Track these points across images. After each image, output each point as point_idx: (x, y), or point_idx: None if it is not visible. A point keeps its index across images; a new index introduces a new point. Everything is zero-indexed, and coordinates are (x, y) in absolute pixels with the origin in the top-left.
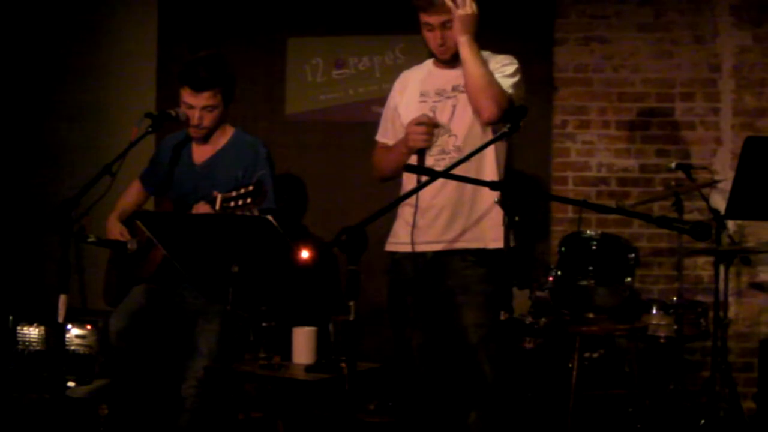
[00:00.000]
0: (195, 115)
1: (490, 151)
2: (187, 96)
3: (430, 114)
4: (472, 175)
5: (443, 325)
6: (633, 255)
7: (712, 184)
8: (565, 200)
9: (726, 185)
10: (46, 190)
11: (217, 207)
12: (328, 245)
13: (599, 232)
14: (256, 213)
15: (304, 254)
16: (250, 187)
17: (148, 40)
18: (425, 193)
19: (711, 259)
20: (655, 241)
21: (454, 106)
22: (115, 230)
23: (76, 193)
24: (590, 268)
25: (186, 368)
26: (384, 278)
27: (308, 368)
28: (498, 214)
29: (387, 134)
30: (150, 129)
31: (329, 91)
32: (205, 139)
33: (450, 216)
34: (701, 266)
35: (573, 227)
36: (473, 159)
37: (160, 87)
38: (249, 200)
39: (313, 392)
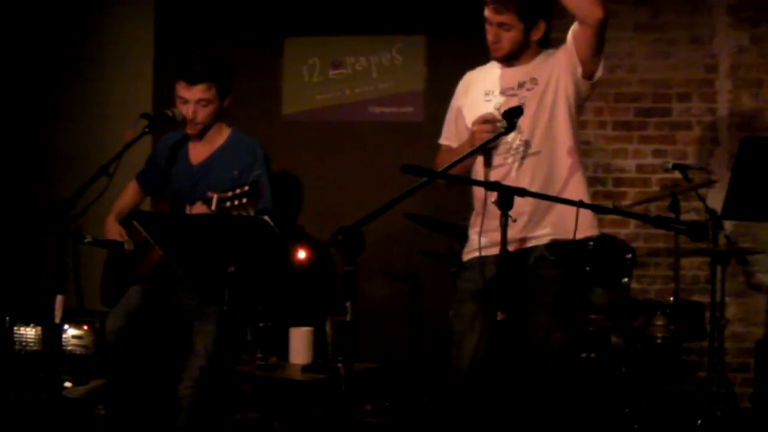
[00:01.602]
0: (189, 110)
1: (562, 154)
2: (182, 90)
3: (496, 112)
4: (544, 173)
5: (510, 334)
6: (630, 255)
7: (708, 184)
8: (562, 201)
9: (723, 185)
10: (42, 191)
11: (213, 207)
12: (325, 245)
13: (596, 232)
14: (251, 213)
15: (301, 254)
16: (246, 187)
17: (145, 41)
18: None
19: (708, 259)
20: (652, 241)
21: (521, 104)
22: (114, 230)
23: (73, 193)
24: (587, 268)
25: (183, 368)
26: (381, 278)
27: (305, 369)
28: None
29: (450, 136)
30: (146, 130)
31: (326, 91)
32: (200, 135)
33: (527, 218)
34: (698, 266)
35: None
36: (543, 160)
37: (157, 88)
38: (245, 200)
39: (310, 393)
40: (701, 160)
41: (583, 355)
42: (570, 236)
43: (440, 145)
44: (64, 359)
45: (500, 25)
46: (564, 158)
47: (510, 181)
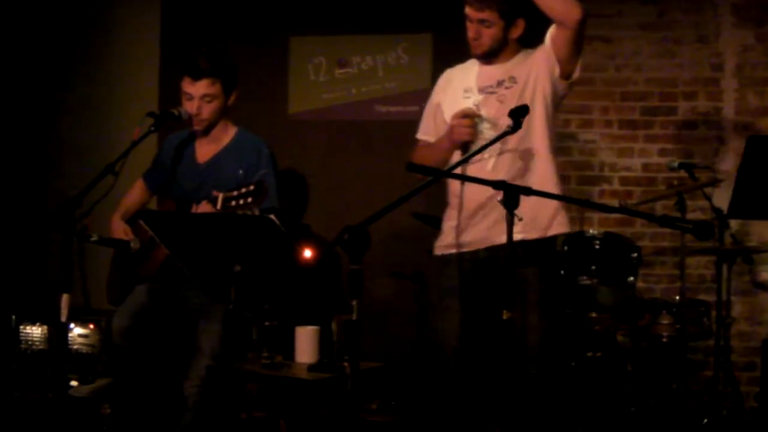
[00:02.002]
0: (194, 106)
1: (542, 147)
2: (187, 85)
3: (475, 109)
4: (518, 168)
5: (491, 329)
6: (635, 254)
7: (714, 183)
8: (568, 199)
9: (729, 184)
10: (49, 189)
11: (219, 206)
12: (331, 244)
13: (602, 231)
14: (257, 212)
15: (307, 253)
16: (251, 187)
17: (151, 40)
18: (469, 193)
19: (713, 258)
20: (658, 240)
21: (500, 101)
22: (119, 229)
23: (79, 192)
24: (593, 267)
25: (188, 367)
26: (387, 277)
27: (311, 367)
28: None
29: (428, 131)
30: (152, 128)
31: (332, 90)
32: (206, 132)
33: (501, 213)
34: (704, 265)
35: (575, 227)
36: (519, 157)
37: (163, 86)
38: (250, 200)
39: (316, 391)
40: (707, 159)
41: (589, 354)
42: (542, 234)
43: (417, 140)
44: (70, 358)
45: (481, 21)
46: (539, 156)
47: (486, 176)
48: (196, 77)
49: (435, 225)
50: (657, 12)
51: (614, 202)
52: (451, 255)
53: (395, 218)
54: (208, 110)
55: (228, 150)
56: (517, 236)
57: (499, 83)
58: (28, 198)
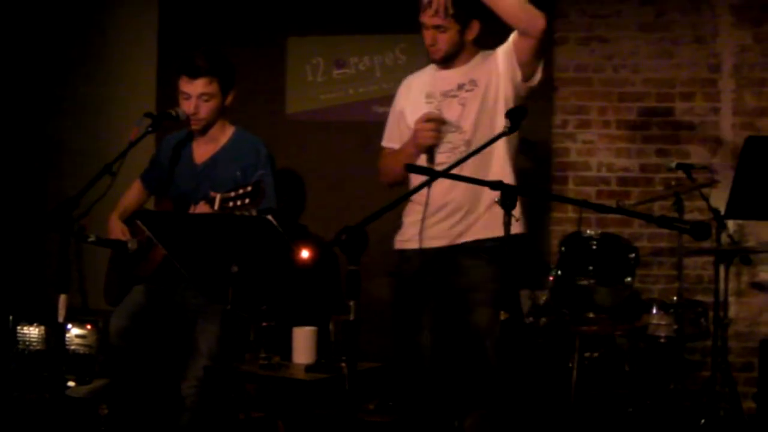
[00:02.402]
0: (191, 105)
1: (500, 149)
2: (184, 84)
3: (438, 113)
4: (479, 172)
5: (452, 324)
6: (633, 255)
7: (712, 183)
8: (566, 200)
9: (726, 185)
10: (46, 190)
11: (216, 207)
12: (329, 245)
13: (599, 231)
14: (254, 213)
15: (305, 254)
16: (249, 188)
17: (148, 40)
18: (436, 191)
19: (711, 258)
20: (656, 240)
21: (462, 105)
22: (117, 230)
23: (77, 192)
24: (590, 267)
25: (186, 368)
26: (385, 277)
27: (308, 368)
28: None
29: (393, 138)
30: (150, 129)
31: (330, 91)
32: (203, 132)
33: (464, 213)
34: (701, 266)
35: (573, 227)
36: (479, 157)
37: (161, 87)
38: (247, 200)
39: (314, 392)
40: (705, 159)
41: (587, 354)
42: (498, 234)
43: (383, 148)
44: (67, 358)
45: (436, 27)
46: (500, 160)
47: (446, 186)
48: (193, 76)
49: None
50: (655, 12)
51: (612, 203)
52: (412, 250)
53: (393, 219)
54: (205, 109)
55: (225, 150)
56: (476, 235)
57: (460, 87)
58: (26, 198)
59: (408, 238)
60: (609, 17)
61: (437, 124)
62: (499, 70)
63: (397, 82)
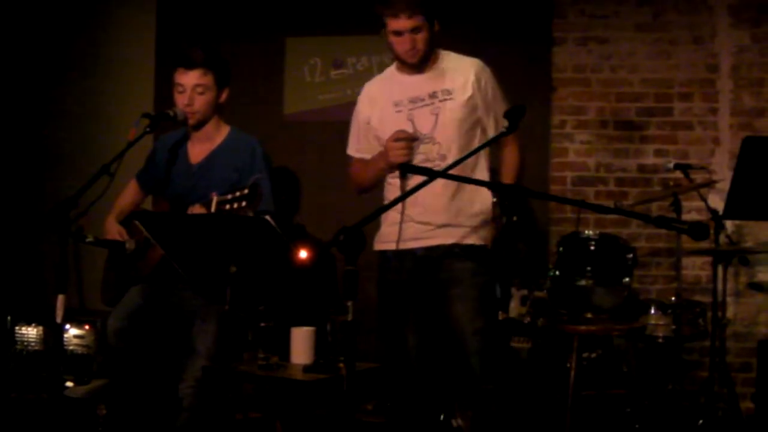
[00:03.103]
0: (186, 97)
1: (483, 154)
2: (179, 76)
3: (409, 123)
4: (470, 172)
5: (435, 321)
6: (631, 255)
7: (710, 184)
8: (564, 200)
9: (724, 185)
10: (44, 191)
11: (213, 209)
12: (326, 245)
13: (597, 232)
14: (251, 215)
15: (302, 254)
16: (245, 190)
17: (146, 41)
18: (422, 193)
19: (709, 259)
20: (654, 241)
21: (435, 115)
22: (113, 230)
23: (75, 193)
24: (588, 268)
25: (184, 368)
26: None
27: (306, 368)
28: (488, 213)
29: (362, 148)
30: (148, 129)
31: (327, 91)
32: (198, 127)
33: (442, 214)
34: (699, 266)
35: (571, 227)
36: (467, 163)
37: (159, 87)
38: (244, 203)
39: (312, 392)
40: (703, 159)
41: (585, 354)
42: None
43: (350, 157)
44: (65, 359)
45: (414, 30)
46: (475, 174)
47: (424, 192)
48: (188, 67)
49: None
50: (652, 13)
51: (610, 203)
52: (391, 251)
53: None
54: (200, 102)
55: (221, 150)
56: (452, 240)
57: (432, 95)
58: (24, 199)
59: (387, 239)
60: (607, 18)
61: (408, 143)
62: (482, 102)
63: None
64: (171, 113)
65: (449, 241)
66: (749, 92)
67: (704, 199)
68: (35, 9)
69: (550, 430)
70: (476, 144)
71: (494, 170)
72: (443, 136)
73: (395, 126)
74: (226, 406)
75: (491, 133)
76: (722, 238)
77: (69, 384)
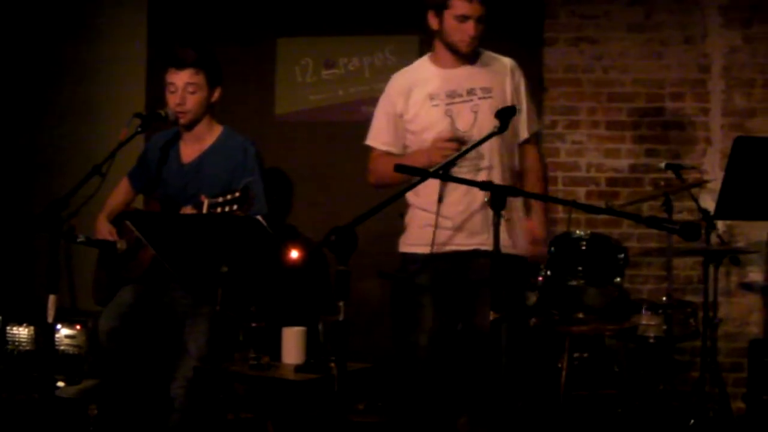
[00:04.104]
0: (177, 96)
1: (513, 155)
2: (170, 76)
3: (447, 118)
4: (495, 174)
5: (459, 321)
6: (622, 255)
7: (701, 184)
8: (555, 200)
9: (715, 185)
10: (35, 191)
11: (204, 212)
12: (318, 245)
13: (589, 232)
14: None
15: (294, 254)
16: (237, 194)
17: (138, 41)
18: (457, 196)
19: (700, 259)
20: (645, 241)
21: (475, 113)
22: (104, 230)
23: (66, 193)
24: (580, 268)
25: (175, 368)
26: (374, 278)
27: (298, 368)
28: (523, 221)
29: (389, 141)
30: (139, 129)
31: (319, 92)
32: (189, 127)
33: (479, 220)
34: (691, 266)
35: (562, 227)
36: (497, 167)
37: (150, 87)
38: (235, 207)
39: (303, 392)
40: (694, 159)
41: (576, 354)
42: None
43: (372, 148)
44: (56, 359)
45: (479, 18)
46: (509, 176)
47: (462, 192)
48: (179, 66)
49: None
50: (644, 13)
51: (601, 203)
52: (422, 254)
53: (382, 219)
54: (191, 101)
55: (213, 150)
56: (475, 246)
57: (470, 92)
58: (15, 199)
59: (419, 242)
60: (598, 18)
61: (458, 144)
62: (513, 91)
63: (386, 82)
64: (163, 113)
65: (483, 245)
66: (740, 92)
67: (695, 199)
68: (26, 9)
69: (541, 430)
70: (510, 146)
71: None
72: (481, 135)
73: (432, 120)
74: (217, 406)
75: (523, 135)
76: (713, 238)
77: (60, 384)
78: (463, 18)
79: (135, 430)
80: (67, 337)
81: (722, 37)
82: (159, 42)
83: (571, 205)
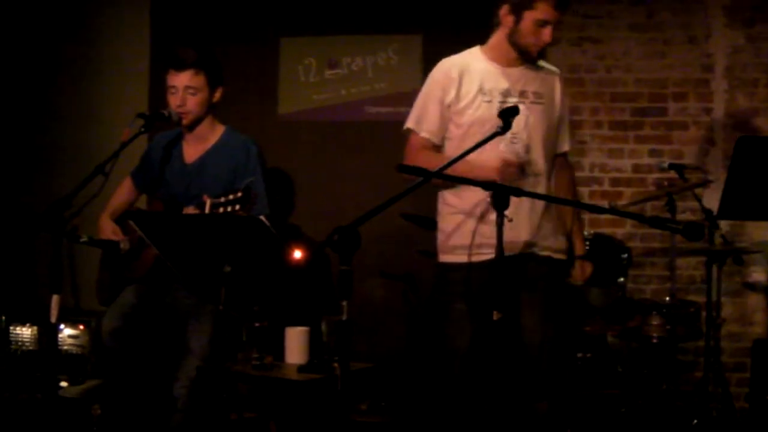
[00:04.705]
0: (178, 98)
1: (551, 166)
2: (171, 78)
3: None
4: (542, 181)
5: (501, 325)
6: (626, 255)
7: (704, 184)
8: (558, 200)
9: (719, 185)
10: (38, 190)
11: (206, 212)
12: (321, 245)
13: (592, 232)
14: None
15: (297, 254)
16: (239, 194)
17: (140, 41)
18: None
19: (703, 259)
20: (648, 241)
21: (527, 116)
22: (108, 230)
23: (69, 192)
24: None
25: (178, 368)
26: (377, 278)
27: (301, 368)
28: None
29: (433, 130)
30: (142, 129)
31: (322, 91)
32: (192, 128)
33: (525, 225)
34: (694, 266)
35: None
36: (544, 174)
37: (153, 87)
38: (237, 207)
39: (306, 392)
40: (697, 159)
41: (579, 355)
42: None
43: (412, 132)
44: (60, 359)
45: (557, 23)
46: (550, 185)
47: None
48: (179, 68)
49: (424, 225)
50: (647, 13)
51: (604, 203)
52: (463, 262)
53: (385, 219)
54: (192, 102)
55: (215, 150)
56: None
57: (522, 94)
58: (18, 199)
59: (459, 248)
60: (601, 17)
61: (519, 169)
62: (560, 102)
63: (390, 82)
64: (165, 113)
65: (528, 249)
66: (743, 92)
67: (699, 199)
68: (28, 8)
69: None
70: (552, 155)
71: None
72: (532, 140)
73: (483, 116)
74: (220, 406)
75: (563, 148)
76: (717, 238)
77: (63, 384)
78: (544, 23)
79: (138, 430)
80: (70, 337)
81: (725, 37)
82: (162, 42)
83: (575, 205)
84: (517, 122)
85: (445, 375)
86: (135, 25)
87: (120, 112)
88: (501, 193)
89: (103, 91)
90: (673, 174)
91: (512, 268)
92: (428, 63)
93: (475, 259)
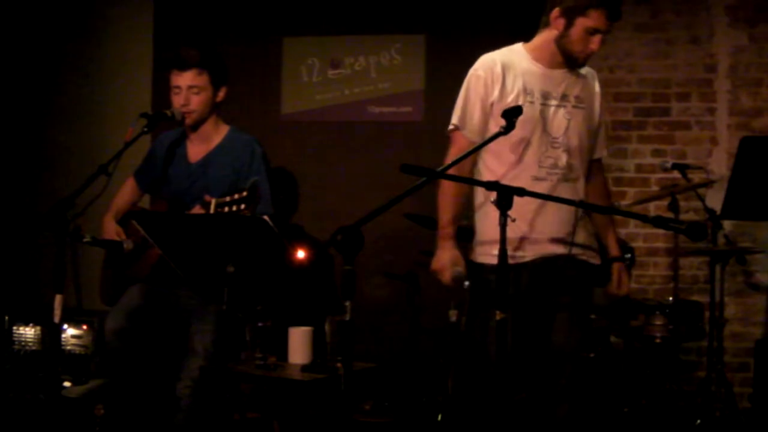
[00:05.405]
0: (181, 97)
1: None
2: (174, 78)
3: (541, 119)
4: (580, 186)
5: (531, 327)
6: (629, 255)
7: (708, 184)
8: (561, 200)
9: (722, 185)
10: (41, 191)
11: (211, 212)
12: (324, 245)
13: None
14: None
15: (300, 254)
16: (244, 193)
17: (143, 41)
18: (526, 203)
19: (707, 259)
20: (651, 241)
21: (568, 120)
22: (111, 229)
23: (72, 192)
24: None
25: (181, 368)
26: (380, 277)
27: (304, 368)
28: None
29: (476, 129)
30: (145, 129)
31: (325, 91)
32: (195, 127)
33: (556, 226)
34: (697, 266)
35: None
36: (580, 181)
37: (156, 87)
38: (243, 206)
39: (309, 392)
40: (700, 159)
41: (582, 354)
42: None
43: (455, 129)
44: (63, 359)
45: (607, 32)
46: (584, 191)
47: (548, 205)
48: (182, 68)
49: (427, 226)
50: (650, 13)
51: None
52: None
53: (388, 219)
54: (196, 102)
55: (219, 150)
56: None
57: (563, 97)
58: (21, 199)
59: (493, 251)
60: None
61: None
62: (599, 106)
63: (393, 82)
64: (169, 113)
65: (561, 251)
66: (747, 92)
67: (702, 199)
68: (32, 9)
69: (546, 430)
70: (587, 161)
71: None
72: (572, 145)
73: (525, 117)
74: (223, 406)
75: (600, 153)
76: (720, 238)
77: (66, 384)
78: (594, 31)
79: (141, 430)
80: (73, 337)
81: (728, 37)
82: (165, 41)
83: (578, 205)
84: (558, 127)
85: (481, 380)
86: (138, 26)
87: (123, 112)
88: (505, 193)
89: (106, 91)
90: (676, 174)
91: (550, 270)
92: (431, 63)
93: (520, 261)
